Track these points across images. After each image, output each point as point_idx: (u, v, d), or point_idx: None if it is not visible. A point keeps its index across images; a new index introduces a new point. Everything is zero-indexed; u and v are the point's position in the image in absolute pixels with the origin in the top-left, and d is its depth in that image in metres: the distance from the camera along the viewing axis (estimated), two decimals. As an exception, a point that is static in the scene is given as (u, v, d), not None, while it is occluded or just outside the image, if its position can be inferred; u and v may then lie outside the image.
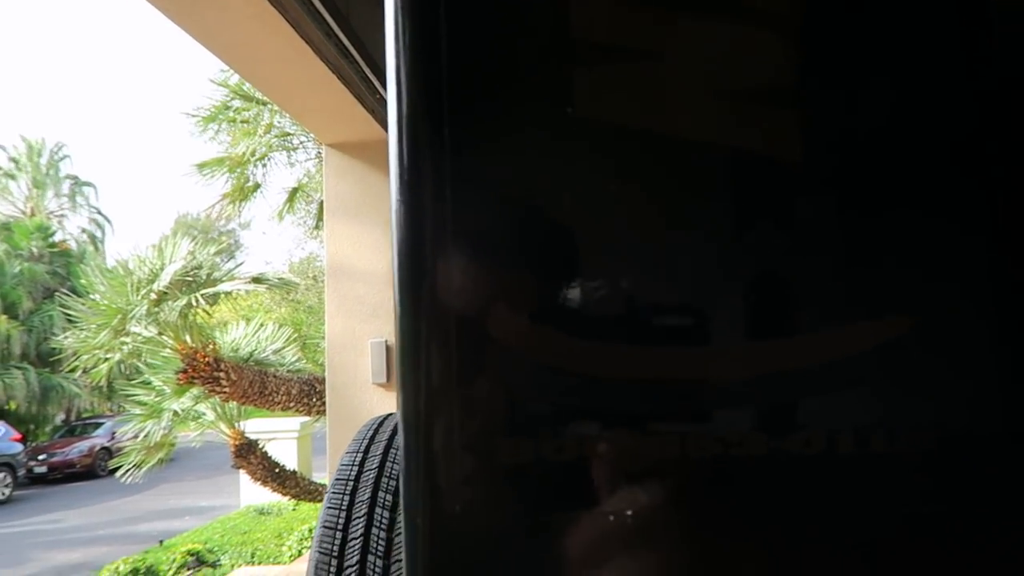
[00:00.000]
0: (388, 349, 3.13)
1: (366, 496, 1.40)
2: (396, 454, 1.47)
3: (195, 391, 6.79)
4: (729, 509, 0.45)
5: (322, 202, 8.05)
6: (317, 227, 8.39)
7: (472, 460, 0.49)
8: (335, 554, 1.36)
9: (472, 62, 0.49)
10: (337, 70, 2.57)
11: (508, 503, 0.48)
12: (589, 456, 0.46)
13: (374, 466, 1.45)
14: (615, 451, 0.46)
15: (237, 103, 6.67)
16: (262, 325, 7.91)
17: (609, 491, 0.45)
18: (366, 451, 1.51)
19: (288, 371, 7.09)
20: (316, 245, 17.51)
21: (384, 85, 2.83)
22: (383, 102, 2.94)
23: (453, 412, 0.48)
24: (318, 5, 2.17)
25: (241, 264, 7.13)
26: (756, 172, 0.45)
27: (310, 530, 7.93)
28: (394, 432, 1.55)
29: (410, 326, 0.51)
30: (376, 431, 1.57)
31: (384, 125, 3.16)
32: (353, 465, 1.46)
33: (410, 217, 0.50)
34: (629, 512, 0.45)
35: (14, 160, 24.50)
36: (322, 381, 6.65)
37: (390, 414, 1.70)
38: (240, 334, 7.53)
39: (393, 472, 1.43)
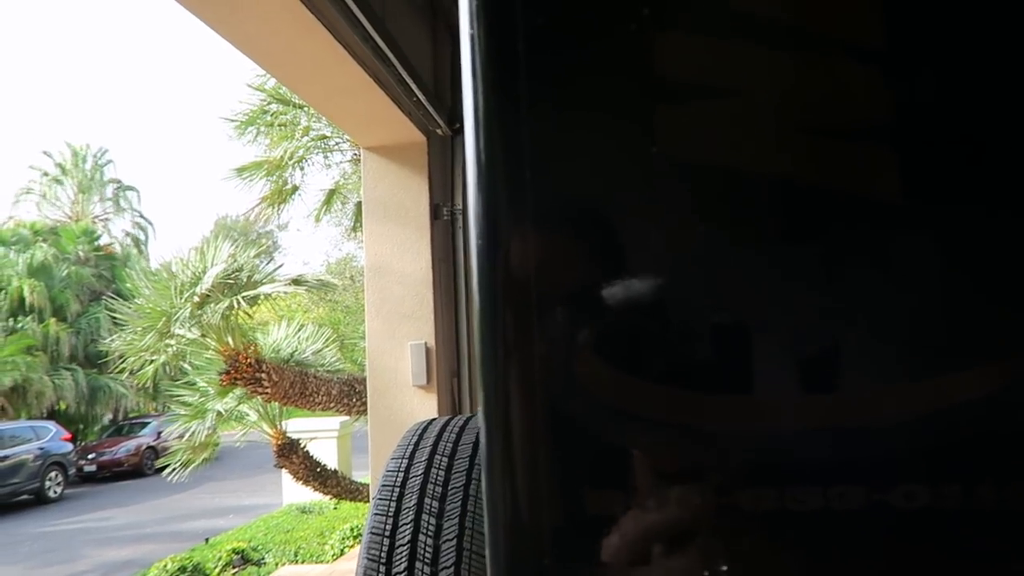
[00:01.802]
0: (428, 351, 3.13)
1: (412, 503, 1.40)
2: (441, 460, 1.47)
3: (238, 392, 6.90)
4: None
5: (359, 203, 8.14)
6: (355, 228, 8.47)
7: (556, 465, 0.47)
8: (383, 560, 1.36)
9: (550, 49, 0.48)
10: (374, 74, 2.58)
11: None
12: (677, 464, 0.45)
13: (419, 472, 1.45)
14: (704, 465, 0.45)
15: (275, 107, 6.75)
16: (302, 326, 8.01)
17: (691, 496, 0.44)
18: (411, 457, 1.51)
19: (328, 371, 7.17)
20: (353, 246, 17.67)
21: (421, 88, 2.83)
22: (420, 105, 2.94)
23: (536, 413, 0.47)
24: (355, 10, 2.17)
25: (280, 267, 7.23)
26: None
27: (352, 529, 8.00)
28: (438, 438, 1.54)
29: (488, 321, 0.49)
30: (421, 436, 1.57)
31: (421, 128, 3.17)
32: (399, 472, 1.47)
33: (489, 208, 0.49)
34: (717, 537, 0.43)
35: (60, 166, 25.15)
36: (361, 381, 6.72)
37: (433, 419, 1.70)
38: (280, 335, 7.63)
39: (438, 478, 1.43)
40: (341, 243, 18.85)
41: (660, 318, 0.45)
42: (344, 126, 3.28)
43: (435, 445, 1.52)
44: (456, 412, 3.25)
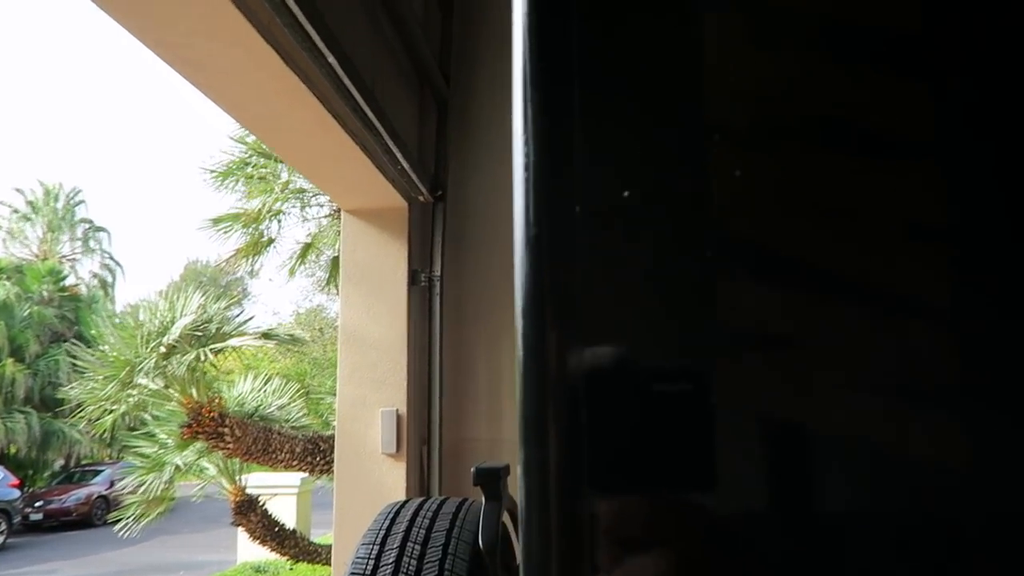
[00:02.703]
0: (399, 418, 3.09)
1: (382, 593, 1.36)
2: (414, 548, 1.43)
3: (198, 445, 6.73)
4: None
5: (335, 258, 8.12)
6: (329, 281, 8.42)
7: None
8: (349, 655, 1.32)
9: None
10: (361, 142, 2.60)
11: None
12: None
13: (391, 560, 1.41)
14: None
15: (256, 159, 6.77)
16: (268, 379, 7.88)
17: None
18: (383, 543, 1.47)
19: (293, 428, 7.03)
20: (324, 297, 17.56)
21: (406, 156, 2.86)
22: (404, 172, 2.97)
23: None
24: (346, 81, 2.20)
25: (251, 319, 7.14)
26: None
27: (307, 592, 7.74)
28: (411, 523, 1.51)
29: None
30: (393, 521, 1.54)
31: (403, 193, 3.18)
32: (369, 559, 1.43)
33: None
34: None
35: (31, 203, 24.83)
36: (326, 440, 6.59)
37: (406, 502, 1.67)
38: (246, 388, 7.50)
39: (410, 568, 1.39)
40: (312, 294, 18.73)
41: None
42: (326, 189, 3.28)
43: (407, 531, 1.48)
44: (425, 481, 3.19)
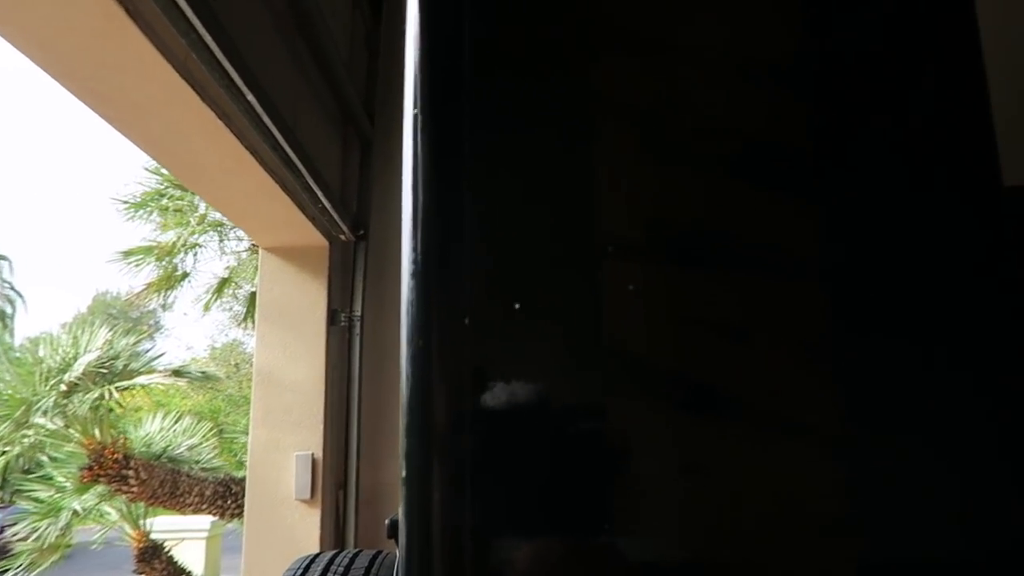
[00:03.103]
0: (314, 463, 3.00)
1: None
2: (323, 606, 1.38)
3: (100, 488, 6.37)
4: None
5: (253, 293, 7.88)
6: (246, 317, 8.17)
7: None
8: None
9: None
10: (281, 181, 2.55)
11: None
12: None
13: (298, 621, 1.36)
14: None
15: (171, 190, 6.55)
16: (178, 418, 7.55)
17: None
18: (290, 602, 1.41)
19: (203, 469, 6.73)
20: (240, 332, 17.02)
21: (327, 195, 2.82)
22: (325, 211, 2.92)
23: None
24: (266, 120, 2.16)
25: (162, 355, 6.85)
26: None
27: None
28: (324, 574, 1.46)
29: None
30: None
31: (324, 232, 3.13)
32: (275, 619, 1.36)
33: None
34: None
35: (-76, 229, 23.36)
36: (238, 482, 6.33)
37: (317, 555, 1.61)
38: (154, 428, 7.16)
39: (319, 628, 1.34)
40: (229, 328, 18.15)
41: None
42: (244, 226, 3.20)
43: (317, 589, 1.43)
44: (340, 529, 3.09)
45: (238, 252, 7.86)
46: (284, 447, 3.01)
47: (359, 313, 3.25)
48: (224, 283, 7.41)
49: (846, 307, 0.44)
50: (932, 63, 0.43)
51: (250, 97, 2.01)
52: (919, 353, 0.42)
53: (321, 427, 3.06)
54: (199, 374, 7.25)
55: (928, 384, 0.42)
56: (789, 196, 0.45)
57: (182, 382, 6.99)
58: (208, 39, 1.74)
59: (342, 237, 3.25)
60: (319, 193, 2.74)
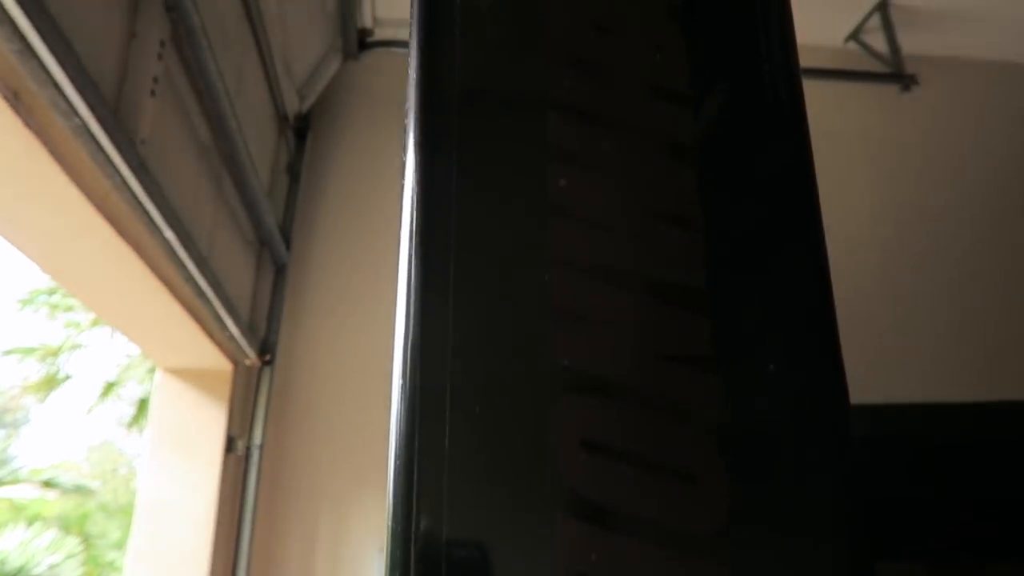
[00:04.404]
0: (199, 605, 2.80)
1: None
2: None
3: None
4: None
5: (142, 400, 7.47)
6: (135, 422, 7.70)
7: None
8: None
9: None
10: (190, 307, 2.50)
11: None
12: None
13: None
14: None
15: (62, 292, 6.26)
16: (41, 531, 6.93)
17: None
18: None
19: (65, 593, 6.14)
20: (122, 432, 15.96)
21: (236, 322, 2.77)
22: (232, 338, 2.86)
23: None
24: (180, 252, 2.14)
25: (29, 462, 6.33)
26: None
27: None
28: None
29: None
30: None
31: (229, 355, 3.05)
32: None
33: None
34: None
35: None
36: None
37: None
38: (11, 543, 6.54)
39: None
40: (111, 429, 17.02)
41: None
42: (146, 348, 3.08)
43: None
44: None
45: (129, 354, 7.50)
46: (164, 588, 2.81)
47: (258, 442, 3.14)
48: (110, 387, 7.02)
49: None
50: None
51: (168, 234, 1.99)
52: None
53: (208, 563, 2.88)
54: (71, 485, 6.71)
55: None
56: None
57: (52, 494, 6.45)
58: (133, 182, 1.74)
59: (247, 361, 3.17)
60: (228, 320, 2.69)
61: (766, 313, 0.50)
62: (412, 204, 0.50)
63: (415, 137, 0.52)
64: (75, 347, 6.68)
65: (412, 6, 0.54)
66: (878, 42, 3.89)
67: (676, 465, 0.46)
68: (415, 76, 0.54)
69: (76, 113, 1.50)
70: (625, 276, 0.49)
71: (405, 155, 0.52)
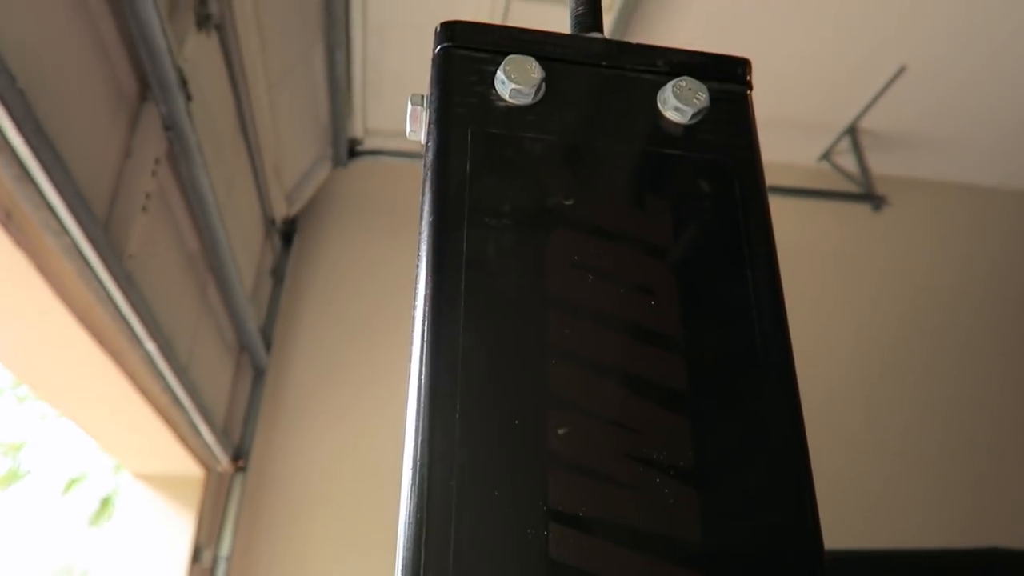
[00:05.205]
0: None
1: None
2: None
3: None
4: None
5: (106, 499, 7.19)
6: (99, 517, 7.37)
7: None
8: None
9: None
10: (166, 416, 2.45)
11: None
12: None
13: None
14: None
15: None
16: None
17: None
18: None
19: None
20: (85, 531, 15.27)
21: (212, 429, 2.72)
22: (205, 445, 2.80)
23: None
24: (160, 363, 2.12)
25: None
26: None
27: None
28: None
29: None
30: None
31: (201, 462, 2.97)
32: None
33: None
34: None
35: None
36: None
37: None
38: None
39: None
40: (73, 528, 16.29)
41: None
42: (116, 454, 3.00)
43: None
44: None
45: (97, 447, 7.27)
46: None
47: (225, 553, 3.03)
48: (72, 483, 6.75)
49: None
50: None
51: (149, 346, 1.98)
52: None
53: None
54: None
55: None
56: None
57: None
58: (118, 296, 1.74)
59: (219, 468, 3.10)
60: (202, 427, 2.64)
61: (740, 439, 0.50)
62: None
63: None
64: (40, 443, 6.46)
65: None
66: (849, 163, 4.05)
67: None
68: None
69: (67, 232, 1.51)
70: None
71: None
